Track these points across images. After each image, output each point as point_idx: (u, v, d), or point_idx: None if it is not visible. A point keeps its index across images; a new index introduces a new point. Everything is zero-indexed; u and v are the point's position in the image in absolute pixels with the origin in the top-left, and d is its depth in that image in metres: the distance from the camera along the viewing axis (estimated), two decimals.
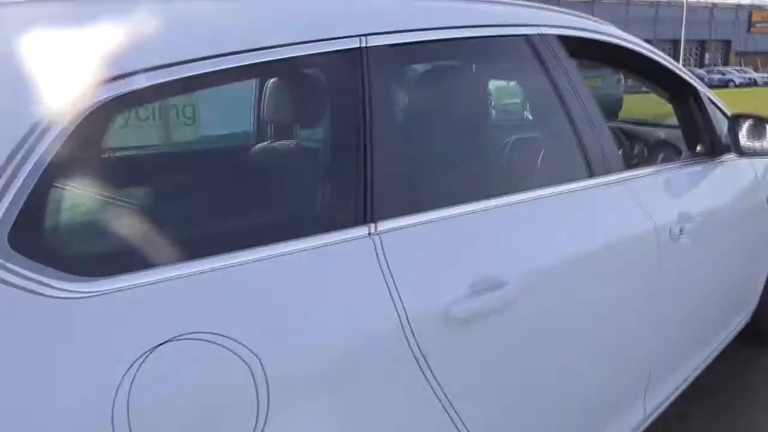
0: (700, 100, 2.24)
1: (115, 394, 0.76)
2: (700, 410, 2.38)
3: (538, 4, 1.75)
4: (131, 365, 0.78)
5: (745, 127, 2.20)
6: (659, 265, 1.74)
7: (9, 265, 0.74)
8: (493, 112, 1.98)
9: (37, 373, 0.74)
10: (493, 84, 2.11)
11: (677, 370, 2.01)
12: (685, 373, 2.07)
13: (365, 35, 1.17)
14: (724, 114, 2.32)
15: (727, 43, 50.80)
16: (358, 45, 1.16)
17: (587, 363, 1.52)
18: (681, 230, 1.81)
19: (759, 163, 2.46)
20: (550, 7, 1.81)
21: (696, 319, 2.13)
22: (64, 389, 0.75)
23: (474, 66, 1.68)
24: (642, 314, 1.72)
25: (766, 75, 38.52)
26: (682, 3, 40.19)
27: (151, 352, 0.79)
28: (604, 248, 1.54)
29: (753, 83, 34.04)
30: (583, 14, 1.92)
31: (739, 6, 51.17)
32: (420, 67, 1.59)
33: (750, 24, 51.70)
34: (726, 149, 2.23)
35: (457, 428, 1.14)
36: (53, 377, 0.74)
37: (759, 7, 52.53)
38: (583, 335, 1.49)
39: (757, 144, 2.21)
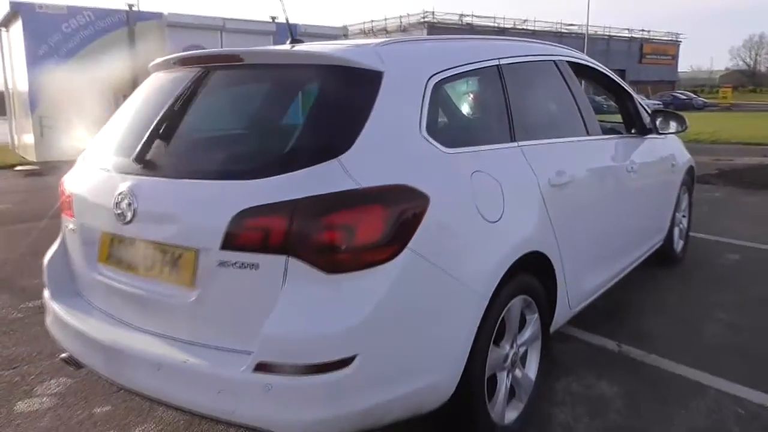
0: (634, 101, 3.83)
1: None
2: (624, 300, 3.96)
3: (553, 43, 3.25)
4: None
5: (659, 118, 3.84)
6: (626, 183, 3.30)
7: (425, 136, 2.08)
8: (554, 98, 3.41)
9: None
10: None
11: (634, 251, 3.59)
12: (637, 253, 3.65)
13: (500, 58, 2.60)
14: (647, 110, 3.92)
15: (621, 72, 55.68)
16: (497, 63, 2.58)
17: (603, 218, 3.05)
18: (632, 168, 3.37)
19: (667, 139, 4.11)
20: (559, 45, 3.32)
21: (642, 222, 3.75)
22: None
23: (537, 74, 3.10)
24: (622, 206, 3.30)
25: (656, 102, 43.22)
26: (583, 34, 44.41)
27: None
28: (605, 168, 3.08)
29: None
30: (574, 49, 3.44)
31: (631, 39, 56.70)
32: (522, 72, 2.96)
33: (641, 55, 57.29)
34: (649, 131, 3.83)
35: (556, 238, 2.54)
36: None
37: (648, 41, 58.46)
38: (600, 203, 3.02)
39: (665, 128, 3.86)
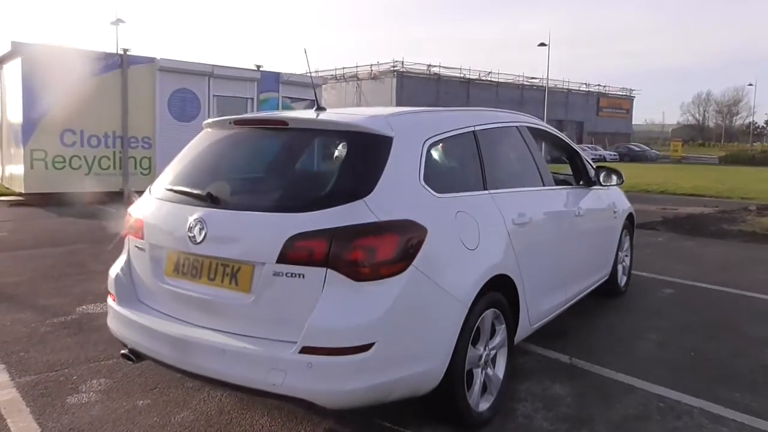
0: (581, 158, 4.63)
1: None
2: (576, 323, 4.69)
3: (516, 112, 4.04)
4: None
5: (603, 172, 4.67)
6: (575, 226, 4.05)
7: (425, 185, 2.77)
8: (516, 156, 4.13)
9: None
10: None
11: (582, 282, 4.32)
12: (585, 284, 4.38)
13: (475, 125, 3.34)
14: (592, 166, 4.73)
15: (580, 124, 58.38)
16: (473, 129, 3.32)
17: (556, 252, 3.77)
18: (580, 213, 4.14)
19: (610, 190, 4.93)
20: (521, 113, 4.10)
21: (589, 258, 4.48)
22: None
23: (503, 138, 3.85)
24: (572, 243, 4.02)
25: (612, 153, 45.51)
26: (544, 87, 46.70)
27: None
28: (556, 212, 3.83)
29: (603, 159, 40.36)
30: (533, 116, 4.23)
31: (588, 93, 59.66)
32: (492, 136, 3.68)
33: (598, 108, 60.25)
34: (594, 183, 4.63)
35: (518, 264, 3.24)
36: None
37: (605, 95, 61.61)
38: (553, 240, 3.75)
39: (607, 181, 4.68)
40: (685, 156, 50.18)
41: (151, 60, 12.38)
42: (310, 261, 2.40)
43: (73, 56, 11.29)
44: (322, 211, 2.45)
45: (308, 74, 3.28)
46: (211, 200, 2.69)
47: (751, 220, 10.87)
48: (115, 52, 12.25)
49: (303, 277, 2.40)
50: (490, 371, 3.07)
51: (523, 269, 3.26)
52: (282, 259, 2.42)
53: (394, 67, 47.00)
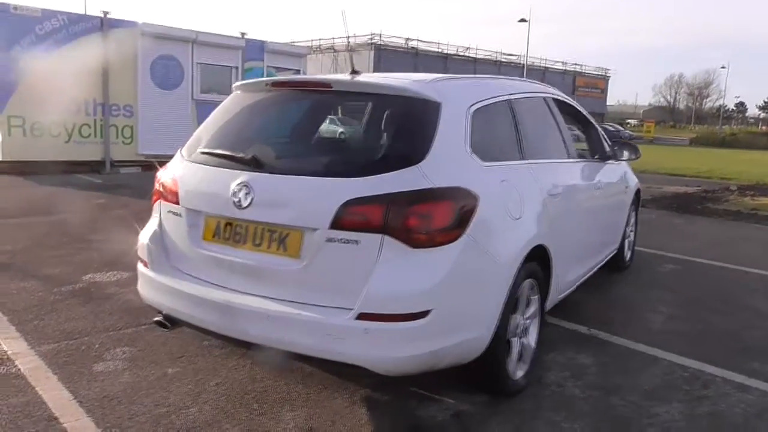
0: (598, 132, 4.65)
1: None
2: (586, 296, 4.76)
3: (539, 82, 4.01)
4: None
5: (618, 147, 4.68)
6: (595, 199, 4.07)
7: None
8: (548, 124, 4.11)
9: None
10: None
11: (598, 255, 4.36)
12: (600, 257, 4.42)
13: (510, 94, 3.31)
14: (607, 140, 4.75)
15: None
16: (508, 98, 3.29)
17: (580, 224, 3.79)
18: (599, 186, 4.16)
19: (621, 165, 4.96)
20: (542, 83, 4.08)
21: (604, 231, 4.53)
22: None
23: (535, 108, 3.82)
24: (592, 217, 4.05)
25: None
26: (521, 64, 46.77)
27: None
28: (582, 186, 3.85)
29: (577, 138, 40.89)
30: (555, 88, 4.21)
31: (565, 72, 60.00)
32: (524, 106, 3.65)
33: (574, 87, 60.66)
34: (610, 157, 4.65)
35: (551, 236, 3.24)
36: None
37: (581, 74, 62.04)
38: (578, 212, 3.76)
39: (623, 155, 4.70)
40: (657, 137, 51.01)
41: (133, 24, 11.93)
42: (365, 227, 2.36)
43: (51, 17, 10.84)
44: (376, 176, 2.40)
45: (347, 38, 3.20)
46: (255, 164, 2.62)
47: (734, 199, 11.14)
48: (95, 15, 11.75)
49: (358, 243, 2.36)
50: (524, 340, 3.09)
51: (555, 240, 3.27)
52: (336, 224, 2.37)
53: (371, 39, 46.50)
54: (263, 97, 3.01)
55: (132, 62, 11.96)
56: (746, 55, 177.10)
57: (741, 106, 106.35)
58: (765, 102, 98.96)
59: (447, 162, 2.55)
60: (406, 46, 48.57)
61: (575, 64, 61.95)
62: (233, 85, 3.15)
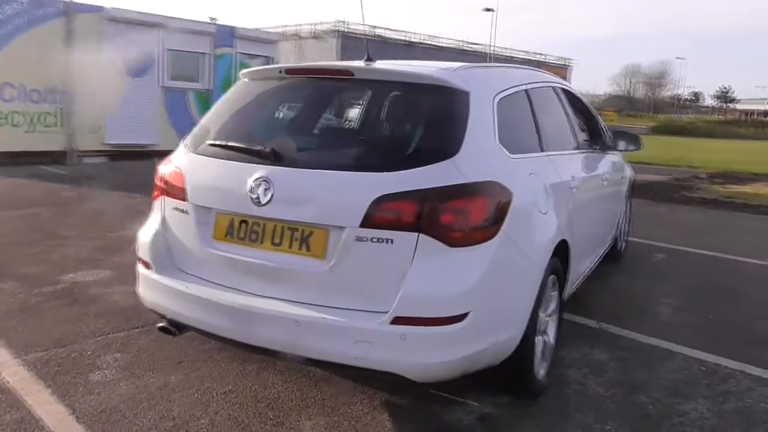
0: (599, 123, 4.56)
1: None
2: (585, 288, 4.70)
3: (544, 71, 3.89)
4: None
5: (620, 137, 4.60)
6: (601, 189, 3.98)
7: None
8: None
9: None
10: None
11: (602, 246, 4.29)
12: (603, 248, 4.35)
13: (526, 83, 3.17)
14: (608, 132, 4.67)
15: None
16: (525, 88, 3.15)
17: (590, 216, 3.70)
18: (605, 178, 4.07)
19: (617, 155, 4.90)
20: (549, 73, 3.96)
21: (607, 222, 4.48)
22: None
23: (548, 98, 3.69)
24: (599, 207, 3.97)
25: None
26: (486, 53, 46.91)
27: None
28: (593, 177, 3.75)
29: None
30: (560, 78, 4.10)
31: (529, 61, 60.35)
32: (540, 95, 3.52)
33: None
34: (611, 147, 4.57)
35: (571, 229, 3.13)
36: None
37: (544, 63, 62.35)
38: (589, 204, 3.66)
39: (625, 146, 4.62)
40: (618, 126, 51.82)
41: (99, 9, 11.37)
42: (399, 225, 2.19)
43: (11, 1, 10.25)
44: (409, 170, 2.23)
45: (363, 25, 3.00)
46: (275, 158, 2.41)
47: (706, 187, 11.33)
48: None
49: (391, 242, 2.19)
50: (545, 338, 2.98)
51: (573, 234, 3.16)
52: (367, 222, 2.20)
53: (336, 27, 45.88)
54: (276, 85, 2.79)
55: (97, 47, 11.41)
56: (701, 47, 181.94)
57: (696, 96, 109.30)
58: (718, 91, 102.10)
59: (479, 155, 2.40)
60: (372, 34, 48.07)
61: (538, 53, 62.51)
62: (240, 73, 2.92)
